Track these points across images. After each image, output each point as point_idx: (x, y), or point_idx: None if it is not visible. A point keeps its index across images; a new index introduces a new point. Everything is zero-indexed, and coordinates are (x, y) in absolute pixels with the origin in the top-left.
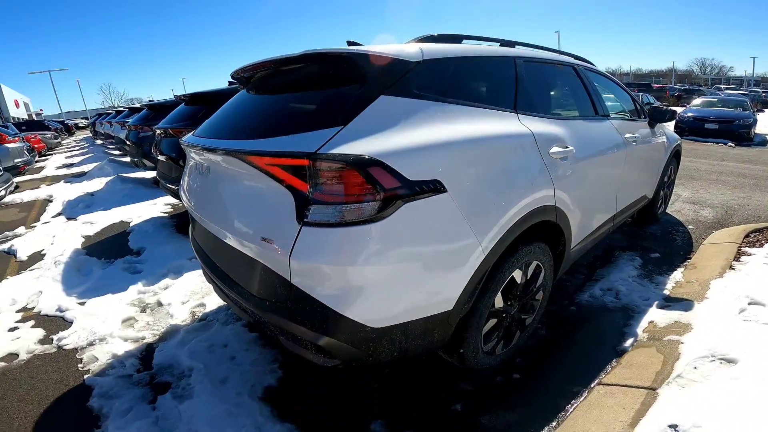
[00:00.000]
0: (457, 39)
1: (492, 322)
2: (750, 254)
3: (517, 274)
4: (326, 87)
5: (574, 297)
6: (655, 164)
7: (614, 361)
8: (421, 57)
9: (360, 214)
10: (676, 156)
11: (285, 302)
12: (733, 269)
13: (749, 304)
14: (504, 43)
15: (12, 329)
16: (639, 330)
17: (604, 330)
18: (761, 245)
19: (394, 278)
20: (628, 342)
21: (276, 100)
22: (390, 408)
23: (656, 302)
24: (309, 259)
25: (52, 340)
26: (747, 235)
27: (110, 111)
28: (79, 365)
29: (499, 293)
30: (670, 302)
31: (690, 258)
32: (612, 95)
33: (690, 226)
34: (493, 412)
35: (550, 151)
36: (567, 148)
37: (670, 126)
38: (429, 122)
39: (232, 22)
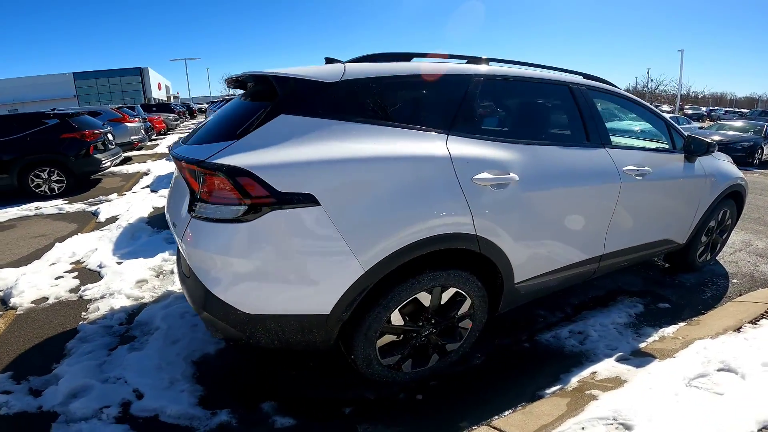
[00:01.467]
0: (406, 57)
1: (390, 338)
2: None
3: (424, 297)
4: (254, 103)
5: (537, 333)
6: (687, 204)
7: (521, 406)
8: (339, 78)
9: (229, 214)
10: (733, 197)
11: (188, 277)
12: (739, 332)
13: (718, 370)
14: (472, 60)
15: (58, 277)
16: (574, 379)
17: (540, 372)
18: None
19: (263, 273)
20: (553, 389)
21: (228, 111)
22: (288, 393)
23: (620, 353)
24: (192, 244)
25: (79, 290)
26: None
27: (222, 99)
28: (83, 313)
29: (397, 312)
30: (632, 356)
31: (704, 313)
32: (637, 123)
33: (735, 280)
34: (374, 425)
35: (476, 176)
36: (506, 175)
37: (725, 159)
38: (320, 140)
39: (344, 18)
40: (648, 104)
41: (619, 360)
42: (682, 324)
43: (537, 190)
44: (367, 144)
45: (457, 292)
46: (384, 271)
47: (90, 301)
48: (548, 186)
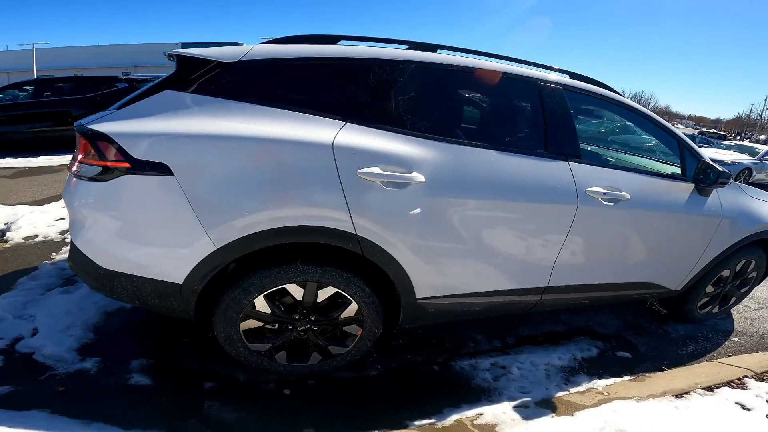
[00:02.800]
0: (332, 40)
1: (255, 323)
2: (745, 387)
3: (296, 290)
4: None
5: (456, 358)
6: (687, 246)
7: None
8: (238, 58)
9: (90, 173)
10: (764, 246)
11: None
12: (680, 397)
13: None
14: (415, 45)
15: (58, 219)
16: (454, 416)
17: (429, 400)
18: None
19: (115, 232)
20: (424, 422)
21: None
22: (166, 357)
23: (526, 399)
24: (65, 195)
25: (66, 232)
26: None
27: None
28: (53, 254)
29: (262, 298)
30: (536, 404)
31: (664, 370)
32: (650, 141)
33: (736, 339)
34: (223, 404)
35: (362, 170)
36: (406, 173)
37: (762, 198)
38: (194, 117)
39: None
40: (659, 118)
41: (518, 406)
42: (625, 378)
43: (452, 197)
44: (244, 124)
45: (337, 292)
46: (239, 251)
47: (67, 243)
48: (469, 195)
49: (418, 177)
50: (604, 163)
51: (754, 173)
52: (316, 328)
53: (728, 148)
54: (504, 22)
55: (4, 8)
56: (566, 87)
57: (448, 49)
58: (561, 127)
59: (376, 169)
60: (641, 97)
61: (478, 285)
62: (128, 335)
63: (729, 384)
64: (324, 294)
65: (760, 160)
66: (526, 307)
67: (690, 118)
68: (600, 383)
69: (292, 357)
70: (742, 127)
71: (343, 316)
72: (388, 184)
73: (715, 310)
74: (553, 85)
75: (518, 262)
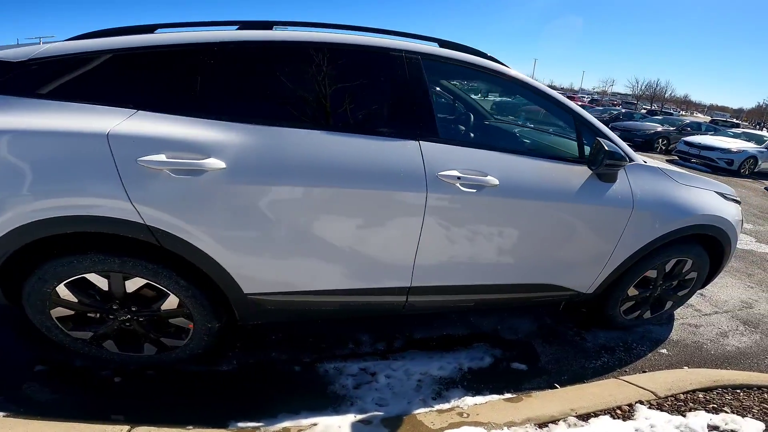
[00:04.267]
0: (148, 29)
1: (67, 312)
2: (629, 417)
3: (99, 280)
4: None
5: (326, 359)
6: (588, 241)
7: (191, 426)
8: (27, 57)
9: None
10: (704, 243)
11: None
12: (543, 427)
13: None
14: (246, 25)
15: None
16: (285, 424)
17: (272, 403)
18: (683, 411)
19: None
20: (250, 424)
21: None
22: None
23: (377, 413)
24: None
25: None
26: (692, 392)
27: None
28: None
29: (64, 287)
30: (381, 422)
31: (556, 388)
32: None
33: (664, 351)
34: (43, 386)
35: (144, 158)
36: (200, 159)
37: (699, 187)
38: None
39: None
40: (549, 90)
41: (360, 422)
42: (506, 396)
43: (263, 184)
44: (25, 119)
45: (149, 284)
46: (21, 241)
47: None
48: (286, 181)
49: (215, 163)
50: (477, 143)
51: (759, 162)
52: (141, 319)
53: (736, 135)
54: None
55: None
56: (426, 56)
57: (287, 25)
58: (412, 101)
59: (161, 157)
60: (657, 86)
61: (319, 283)
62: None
63: (613, 411)
64: (134, 285)
65: (766, 148)
66: (393, 308)
67: (712, 107)
68: (470, 401)
69: (123, 346)
70: (761, 116)
71: (164, 308)
72: (177, 171)
73: (647, 315)
74: (405, 55)
75: (364, 258)
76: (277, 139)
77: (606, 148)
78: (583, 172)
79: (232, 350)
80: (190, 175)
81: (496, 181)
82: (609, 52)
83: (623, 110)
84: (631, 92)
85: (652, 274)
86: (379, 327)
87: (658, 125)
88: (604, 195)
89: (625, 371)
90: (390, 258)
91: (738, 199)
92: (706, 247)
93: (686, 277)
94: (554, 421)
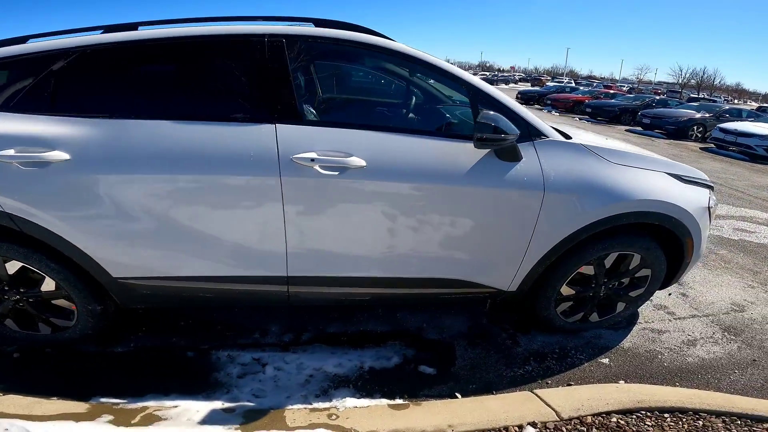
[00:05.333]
0: (21, 40)
1: None
2: None
3: None
4: None
5: (226, 347)
6: (493, 230)
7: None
8: None
9: None
10: (657, 233)
11: None
12: None
13: None
14: (110, 28)
15: None
16: (148, 402)
17: (144, 383)
18: None
19: None
20: (115, 400)
21: None
22: None
23: (247, 404)
24: None
25: None
26: (606, 414)
27: None
28: None
29: None
30: (243, 413)
31: (457, 398)
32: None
33: (605, 360)
34: None
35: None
36: (44, 153)
37: (620, 160)
38: None
39: None
40: (439, 62)
41: (223, 409)
42: (389, 402)
43: (109, 173)
44: None
45: (25, 267)
46: None
47: None
48: (131, 170)
49: (59, 155)
50: (350, 124)
51: None
52: (30, 300)
53: None
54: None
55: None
56: (291, 38)
57: (151, 24)
58: (269, 85)
59: (11, 152)
60: (703, 74)
61: (187, 269)
62: None
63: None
64: (13, 267)
65: None
66: (277, 298)
67: None
68: (351, 403)
69: (21, 325)
70: None
71: (44, 290)
72: (24, 164)
73: (594, 318)
74: (268, 40)
75: (230, 246)
76: (123, 131)
77: (483, 120)
78: (473, 150)
79: (135, 334)
80: (36, 167)
81: (362, 162)
82: (649, 39)
83: (657, 97)
84: (675, 80)
85: (588, 270)
86: (293, 318)
87: (694, 111)
88: (503, 176)
89: (547, 383)
90: (258, 245)
91: (707, 182)
92: (661, 240)
93: (637, 275)
94: None
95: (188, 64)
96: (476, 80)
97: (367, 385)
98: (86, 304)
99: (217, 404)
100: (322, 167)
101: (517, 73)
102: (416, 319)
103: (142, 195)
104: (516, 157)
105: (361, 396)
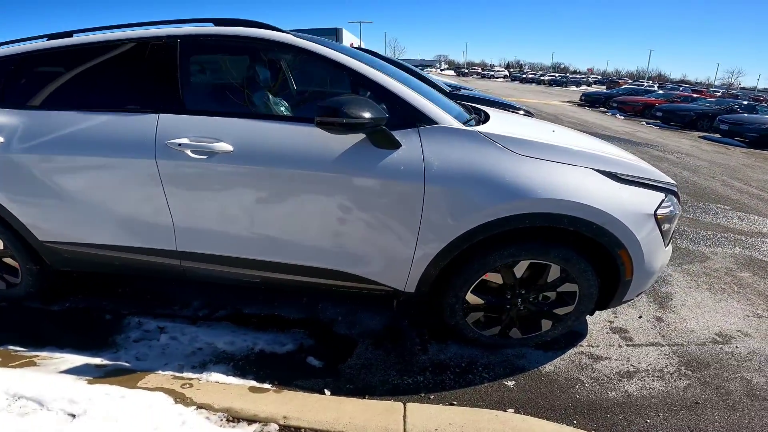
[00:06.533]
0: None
1: None
2: None
3: None
4: None
5: (140, 314)
6: (371, 222)
7: None
8: None
9: None
10: (573, 240)
11: None
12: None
13: None
14: (52, 36)
15: None
16: (43, 353)
17: (60, 334)
18: None
19: None
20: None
21: None
22: None
23: (123, 364)
24: None
25: None
26: None
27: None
28: None
29: None
30: (111, 371)
31: (325, 393)
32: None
33: (511, 383)
34: None
35: None
36: None
37: (526, 151)
38: None
39: None
40: (324, 50)
41: (96, 365)
42: (249, 383)
43: (31, 153)
44: None
45: None
46: None
47: None
48: (48, 152)
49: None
50: (222, 112)
51: None
52: None
53: None
54: None
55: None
56: (185, 38)
57: (86, 31)
58: (157, 79)
59: None
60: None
61: (95, 238)
62: None
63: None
64: None
65: None
66: (173, 271)
67: None
68: (215, 378)
69: None
70: None
71: None
72: None
73: (516, 334)
74: (165, 41)
75: (124, 218)
76: (45, 120)
77: (326, 103)
78: (349, 136)
79: (76, 296)
80: None
81: (229, 147)
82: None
83: (744, 103)
84: None
85: (496, 278)
86: (217, 296)
87: None
88: (376, 164)
89: (429, 398)
90: (149, 220)
91: (664, 184)
92: (592, 252)
93: (561, 290)
94: (251, 421)
95: (97, 65)
96: (358, 65)
97: (247, 365)
98: (25, 263)
99: (95, 360)
100: (192, 151)
101: (592, 76)
102: (335, 311)
103: (55, 172)
104: (392, 145)
105: (233, 374)
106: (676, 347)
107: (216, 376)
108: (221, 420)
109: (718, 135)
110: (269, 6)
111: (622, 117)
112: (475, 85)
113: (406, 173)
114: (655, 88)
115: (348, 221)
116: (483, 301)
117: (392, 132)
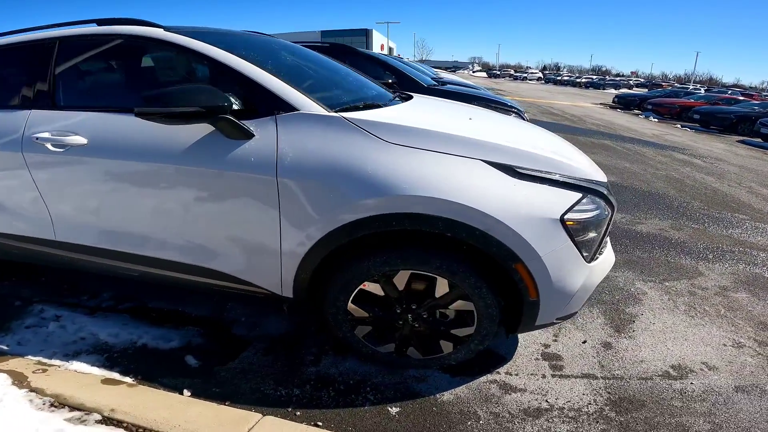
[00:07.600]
0: None
1: None
2: None
3: None
4: None
5: (48, 303)
6: (230, 217)
7: None
8: None
9: None
10: (464, 251)
11: None
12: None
13: None
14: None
15: None
16: None
17: None
18: None
19: None
20: None
21: None
22: None
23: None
24: None
25: None
26: None
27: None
28: None
29: None
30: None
31: (184, 394)
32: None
33: (395, 409)
34: None
35: None
36: None
37: (401, 139)
38: None
39: None
40: (200, 46)
41: None
42: (110, 375)
43: None
44: None
45: None
46: None
47: None
48: None
49: None
50: (84, 107)
51: None
52: None
53: None
54: None
55: None
56: (63, 39)
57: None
58: (30, 79)
59: None
60: None
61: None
62: None
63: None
64: None
65: None
66: (56, 261)
67: None
68: (75, 367)
69: None
70: None
71: None
72: None
73: (415, 354)
74: (46, 43)
75: (9, 208)
76: None
77: (149, 93)
78: (200, 127)
79: (1, 281)
80: None
81: (83, 140)
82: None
83: None
84: None
85: (375, 289)
86: (128, 288)
87: None
88: (225, 156)
89: (296, 414)
90: (28, 210)
91: (584, 183)
92: (483, 264)
93: (457, 308)
94: (75, 408)
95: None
96: (216, 53)
97: (120, 358)
98: None
99: None
100: (52, 145)
101: (635, 79)
102: (241, 312)
103: None
104: (242, 135)
105: (99, 366)
106: (612, 381)
107: (78, 365)
108: (44, 404)
109: (759, 139)
110: (299, 5)
111: (656, 120)
112: (505, 87)
113: (256, 165)
114: (701, 91)
115: (208, 217)
116: (368, 314)
117: (247, 121)
